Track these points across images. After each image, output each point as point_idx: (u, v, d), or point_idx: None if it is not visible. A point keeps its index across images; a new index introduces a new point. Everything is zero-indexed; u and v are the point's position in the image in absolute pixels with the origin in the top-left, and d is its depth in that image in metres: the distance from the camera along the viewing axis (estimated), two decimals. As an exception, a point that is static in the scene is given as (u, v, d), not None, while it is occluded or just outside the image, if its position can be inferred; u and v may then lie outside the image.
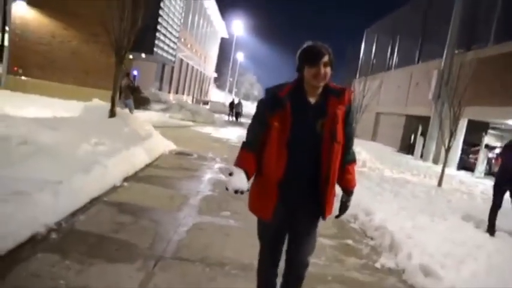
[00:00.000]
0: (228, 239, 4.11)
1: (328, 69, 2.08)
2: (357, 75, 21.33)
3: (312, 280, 3.41)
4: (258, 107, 2.22)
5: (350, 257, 4.20)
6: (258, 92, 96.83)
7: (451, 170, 15.34)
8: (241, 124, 25.10)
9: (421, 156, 18.69)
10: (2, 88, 12.32)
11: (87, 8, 16.05)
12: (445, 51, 17.14)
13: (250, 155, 2.15)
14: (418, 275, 3.74)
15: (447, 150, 10.17)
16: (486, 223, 6.02)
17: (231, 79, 64.67)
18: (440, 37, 18.61)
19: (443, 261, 4.01)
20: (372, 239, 4.87)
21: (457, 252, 4.38)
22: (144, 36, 10.74)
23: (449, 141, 10.04)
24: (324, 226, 5.21)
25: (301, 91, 2.14)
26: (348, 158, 2.28)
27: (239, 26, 56.78)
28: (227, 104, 35.83)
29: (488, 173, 15.81)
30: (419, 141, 19.35)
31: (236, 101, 29.91)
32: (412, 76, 23.03)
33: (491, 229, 5.82)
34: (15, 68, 17.81)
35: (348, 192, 2.34)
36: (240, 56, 72.95)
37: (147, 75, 24.52)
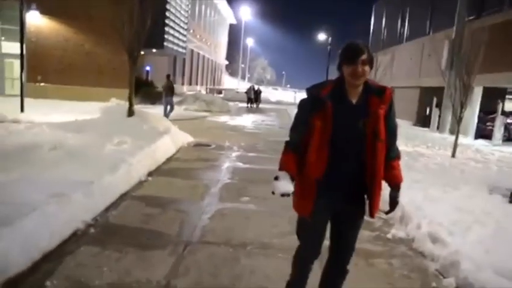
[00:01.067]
0: (248, 222, 4.46)
1: (367, 68, 2.07)
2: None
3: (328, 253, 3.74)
4: (300, 106, 2.25)
5: (363, 231, 4.46)
6: (271, 75, 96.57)
7: (469, 140, 15.32)
8: (258, 110, 25.33)
9: (438, 128, 18.63)
10: (25, 96, 12.90)
11: (97, 10, 16.44)
12: (456, 20, 16.91)
13: (293, 156, 2.17)
14: (426, 243, 4.02)
15: (458, 121, 10.24)
16: (499, 190, 6.18)
17: (242, 65, 64.72)
18: (450, 6, 18.30)
19: (451, 229, 4.26)
20: (384, 212, 5.14)
21: (465, 220, 4.62)
22: (153, 32, 11.11)
23: (461, 111, 10.10)
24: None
25: (342, 90, 2.14)
26: (392, 155, 2.26)
27: (246, 11, 56.61)
28: (239, 91, 35.75)
29: (508, 139, 15.72)
30: (435, 113, 19.27)
31: (256, 88, 29.66)
32: (424, 47, 22.75)
33: None
34: (39, 77, 18.45)
35: (395, 187, 2.31)
36: (249, 42, 72.76)
37: (159, 69, 24.94)
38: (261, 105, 29.19)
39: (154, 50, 20.79)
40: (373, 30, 35.40)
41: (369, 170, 2.16)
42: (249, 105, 27.64)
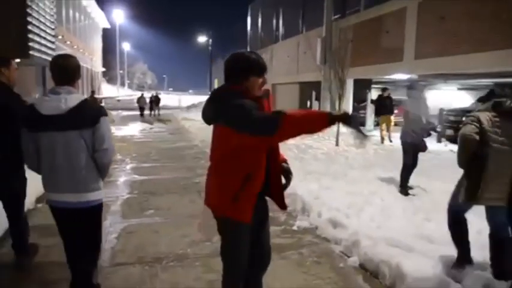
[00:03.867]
0: (158, 236, 4.34)
1: None
2: (248, 49, 22.04)
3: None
4: (244, 103, 2.08)
5: (274, 227, 4.69)
6: (152, 80, 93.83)
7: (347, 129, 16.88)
8: (147, 118, 24.01)
9: (319, 119, 20.14)
10: None
11: None
12: (324, 19, 18.51)
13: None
14: (328, 229, 4.39)
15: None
16: (377, 171, 6.99)
17: (121, 71, 61.72)
18: (318, 5, 19.94)
19: (347, 212, 4.73)
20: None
21: (357, 202, 5.16)
22: (16, 41, 9.91)
23: (339, 103, 11.15)
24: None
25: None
26: None
27: (120, 14, 54.10)
28: (120, 99, 33.81)
29: (377, 124, 17.76)
30: (315, 105, 20.86)
31: (155, 94, 27.15)
32: (299, 45, 24.39)
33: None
34: None
35: (284, 161, 2.48)
36: (126, 46, 69.77)
37: (26, 82, 22.43)
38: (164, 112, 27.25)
39: (18, 60, 18.61)
40: (250, 30, 36.79)
41: (273, 165, 2.27)
42: (147, 113, 24.96)
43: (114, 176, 7.49)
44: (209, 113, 2.22)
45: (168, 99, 46.16)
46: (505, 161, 2.95)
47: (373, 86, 22.09)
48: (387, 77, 17.26)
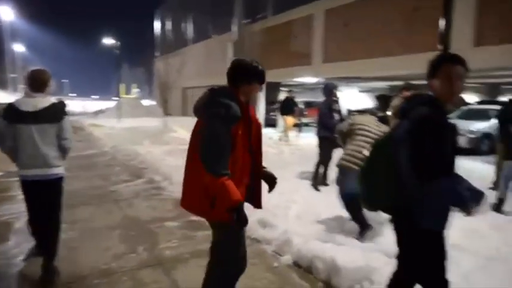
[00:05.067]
0: (76, 252, 3.95)
1: None
2: (155, 54, 21.35)
3: (171, 262, 3.66)
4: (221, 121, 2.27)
5: (198, 231, 4.55)
6: (51, 85, 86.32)
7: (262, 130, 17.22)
8: None
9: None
10: None
11: None
12: (235, 23, 18.73)
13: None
14: (258, 229, 4.38)
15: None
16: (294, 169, 7.22)
17: (13, 75, 55.77)
18: (228, 11, 20.13)
19: (275, 212, 4.77)
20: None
21: (283, 201, 5.23)
22: None
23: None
24: (166, 210, 5.44)
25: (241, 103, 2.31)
26: None
27: (8, 12, 48.94)
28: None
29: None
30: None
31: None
32: (210, 49, 24.38)
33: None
34: None
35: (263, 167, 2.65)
36: (19, 47, 63.31)
37: None
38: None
39: None
40: (160, 34, 35.89)
41: (257, 167, 2.42)
42: None
43: (12, 189, 6.65)
44: (198, 103, 2.37)
45: (72, 105, 42.98)
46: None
47: (282, 88, 22.85)
48: (296, 79, 18.02)
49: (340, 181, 4.19)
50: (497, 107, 9.59)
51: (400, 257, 2.24)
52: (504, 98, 16.80)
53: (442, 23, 4.91)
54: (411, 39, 10.65)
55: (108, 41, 29.33)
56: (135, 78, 71.91)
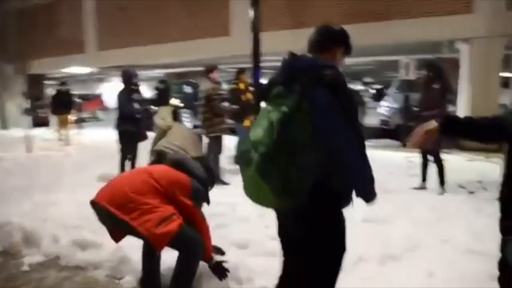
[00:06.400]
0: None
1: None
2: None
3: None
4: None
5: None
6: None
7: (29, 131, 14.45)
8: None
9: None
10: None
11: None
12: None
13: None
14: (76, 253, 3.54)
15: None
16: (93, 171, 6.40)
17: None
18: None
19: (92, 228, 3.87)
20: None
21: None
22: None
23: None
24: None
25: None
26: None
27: None
28: None
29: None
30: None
31: None
32: None
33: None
34: None
35: None
36: None
37: None
38: None
39: None
40: None
41: None
42: None
43: None
44: None
45: None
46: None
47: (48, 82, 19.84)
48: (66, 70, 16.00)
49: None
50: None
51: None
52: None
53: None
54: (193, 25, 10.71)
55: None
56: None
